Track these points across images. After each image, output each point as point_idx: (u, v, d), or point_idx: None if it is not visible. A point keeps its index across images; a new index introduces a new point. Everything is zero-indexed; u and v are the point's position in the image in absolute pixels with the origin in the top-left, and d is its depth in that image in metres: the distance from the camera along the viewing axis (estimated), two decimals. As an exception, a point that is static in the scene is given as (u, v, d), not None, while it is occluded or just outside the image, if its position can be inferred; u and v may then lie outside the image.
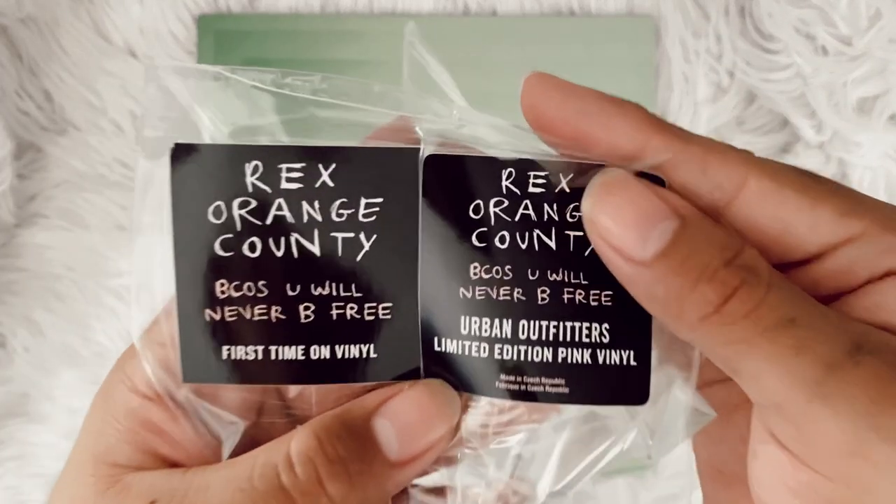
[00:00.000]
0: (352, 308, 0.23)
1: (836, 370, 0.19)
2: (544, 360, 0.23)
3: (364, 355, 0.23)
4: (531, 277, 0.23)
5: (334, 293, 0.23)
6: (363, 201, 0.23)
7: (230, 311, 0.23)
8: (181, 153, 0.22)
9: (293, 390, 0.24)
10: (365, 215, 0.23)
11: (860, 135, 0.47)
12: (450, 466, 0.24)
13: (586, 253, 0.23)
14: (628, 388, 0.23)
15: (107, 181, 0.47)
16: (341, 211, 0.23)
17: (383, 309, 0.23)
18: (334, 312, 0.23)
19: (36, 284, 0.47)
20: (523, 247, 0.23)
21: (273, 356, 0.23)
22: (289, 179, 0.23)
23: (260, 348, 0.23)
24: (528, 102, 0.22)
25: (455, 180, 0.23)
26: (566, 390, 0.23)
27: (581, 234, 0.23)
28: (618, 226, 0.20)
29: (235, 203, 0.23)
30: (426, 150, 0.23)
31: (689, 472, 0.44)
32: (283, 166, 0.23)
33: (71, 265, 0.47)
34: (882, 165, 0.48)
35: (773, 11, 0.47)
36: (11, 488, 0.47)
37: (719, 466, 0.25)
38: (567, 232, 0.23)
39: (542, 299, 0.23)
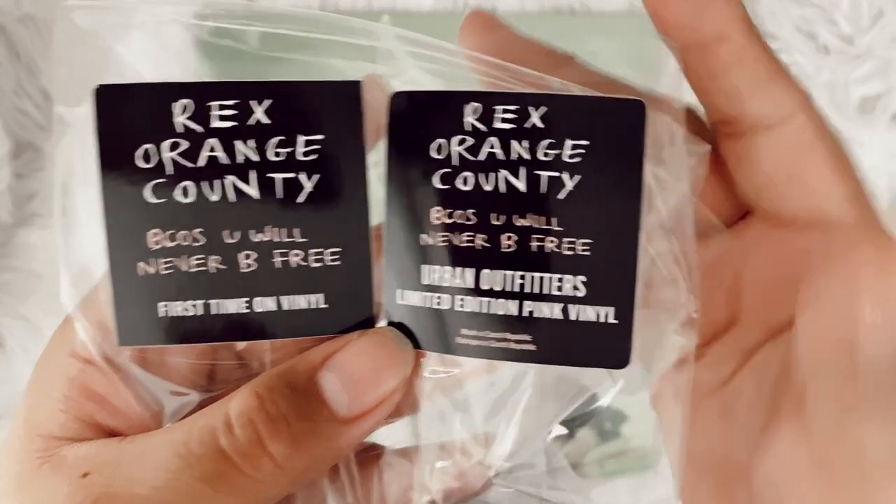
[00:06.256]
0: (296, 255, 0.21)
1: None
2: (508, 313, 0.21)
3: (312, 305, 0.22)
4: (495, 222, 0.21)
5: (276, 239, 0.21)
6: (301, 139, 0.21)
7: (165, 263, 0.21)
8: (105, 95, 0.21)
9: (241, 346, 0.23)
10: (305, 153, 0.21)
11: (862, 134, 0.47)
12: (412, 423, 0.22)
13: (561, 195, 0.21)
14: (606, 348, 0.21)
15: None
16: (279, 150, 0.21)
17: (331, 254, 0.22)
18: (277, 260, 0.21)
19: (34, 284, 0.46)
20: (488, 189, 0.21)
21: (214, 311, 0.21)
22: (221, 118, 0.21)
23: (199, 303, 0.21)
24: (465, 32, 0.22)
25: (419, 118, 0.21)
26: (533, 348, 0.21)
27: (556, 174, 0.21)
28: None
29: (165, 145, 0.21)
30: (391, 88, 0.21)
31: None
32: (215, 104, 0.21)
33: (70, 264, 0.46)
34: (884, 165, 0.47)
35: (774, 10, 0.47)
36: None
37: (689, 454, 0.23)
38: (538, 172, 0.21)
39: (508, 247, 0.21)
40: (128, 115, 0.21)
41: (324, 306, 0.22)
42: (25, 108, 0.47)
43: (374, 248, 0.22)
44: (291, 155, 0.21)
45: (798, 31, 0.47)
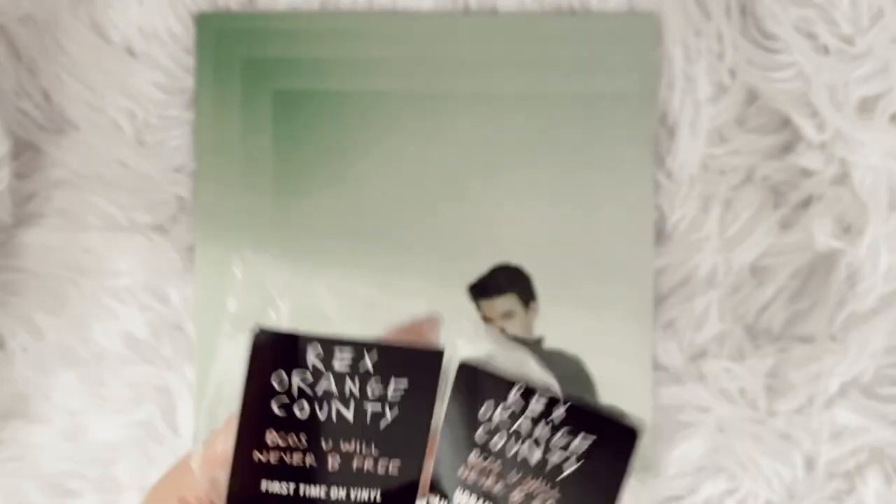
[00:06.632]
0: (369, 462, 0.30)
1: None
2: None
3: (372, 499, 0.30)
4: (514, 482, 0.29)
5: (358, 450, 0.29)
6: (393, 382, 0.29)
7: (275, 455, 0.29)
8: (259, 333, 0.28)
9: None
10: (392, 394, 0.29)
11: (862, 134, 0.47)
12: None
13: (566, 472, 0.28)
14: None
15: (105, 181, 0.49)
16: (375, 389, 0.29)
17: (393, 465, 0.30)
18: (355, 464, 0.30)
19: (34, 285, 0.48)
20: (517, 458, 0.29)
21: (301, 493, 0.29)
22: (340, 361, 0.29)
23: (291, 486, 0.29)
24: None
25: (476, 385, 0.29)
26: None
27: (558, 461, 0.28)
28: None
29: (296, 376, 0.28)
30: (459, 355, 0.29)
31: (691, 472, 0.49)
32: (338, 352, 0.28)
33: (70, 265, 0.48)
34: (884, 165, 0.47)
35: (774, 10, 0.47)
36: (11, 489, 0.48)
37: None
38: (552, 458, 0.28)
39: (519, 500, 0.29)
40: (273, 350, 0.28)
41: (379, 500, 0.30)
42: (25, 108, 0.49)
43: (427, 458, 0.30)
44: (383, 394, 0.29)
45: (798, 31, 0.47)
